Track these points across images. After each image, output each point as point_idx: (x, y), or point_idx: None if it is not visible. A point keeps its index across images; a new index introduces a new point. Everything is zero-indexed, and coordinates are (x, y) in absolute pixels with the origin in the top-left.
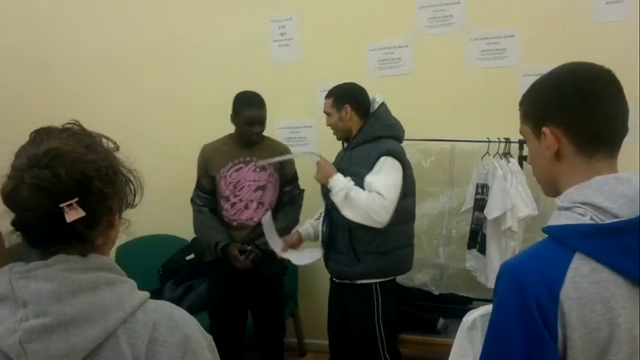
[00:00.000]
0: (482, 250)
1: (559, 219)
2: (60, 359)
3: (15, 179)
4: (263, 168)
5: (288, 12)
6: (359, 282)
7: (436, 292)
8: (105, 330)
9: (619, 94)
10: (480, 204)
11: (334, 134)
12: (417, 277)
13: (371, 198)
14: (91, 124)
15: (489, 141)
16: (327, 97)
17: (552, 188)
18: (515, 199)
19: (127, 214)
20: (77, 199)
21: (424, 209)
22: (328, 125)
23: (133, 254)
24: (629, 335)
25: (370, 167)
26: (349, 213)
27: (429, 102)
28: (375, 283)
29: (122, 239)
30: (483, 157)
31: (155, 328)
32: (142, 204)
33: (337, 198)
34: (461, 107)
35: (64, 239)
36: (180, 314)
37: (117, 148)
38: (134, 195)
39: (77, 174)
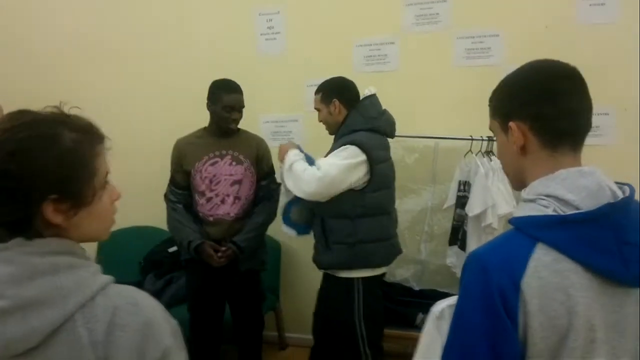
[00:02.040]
0: (463, 246)
1: (523, 210)
2: (18, 342)
3: None
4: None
5: (276, 6)
6: (341, 275)
7: (417, 288)
8: (63, 314)
9: (583, 90)
10: (462, 201)
11: (326, 129)
12: (399, 273)
13: (309, 170)
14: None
15: (472, 139)
16: (316, 93)
17: (519, 181)
18: (496, 197)
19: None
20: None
21: (407, 206)
22: (320, 121)
23: (115, 245)
24: (587, 323)
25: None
26: (289, 183)
27: (414, 99)
28: (357, 278)
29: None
30: (466, 154)
31: (115, 313)
32: (125, 195)
33: (284, 170)
34: (446, 105)
35: (19, 231)
36: (143, 298)
37: (102, 138)
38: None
39: (38, 172)
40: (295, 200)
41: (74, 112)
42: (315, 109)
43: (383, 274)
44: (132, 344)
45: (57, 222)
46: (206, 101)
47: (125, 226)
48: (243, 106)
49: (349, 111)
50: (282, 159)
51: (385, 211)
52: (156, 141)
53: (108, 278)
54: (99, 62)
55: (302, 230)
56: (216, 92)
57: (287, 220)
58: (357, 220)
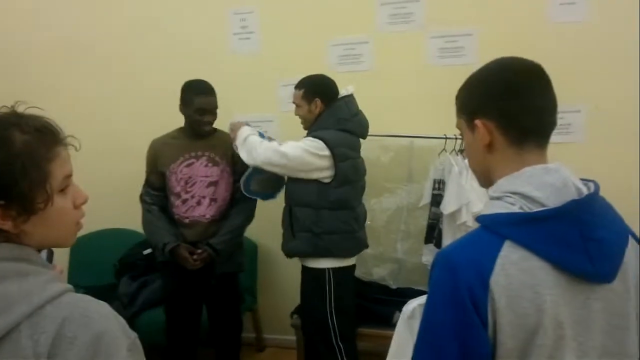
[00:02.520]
0: (439, 244)
1: (490, 208)
2: None
3: None
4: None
5: (249, 5)
6: (310, 265)
7: (394, 287)
8: (5, 323)
9: (548, 87)
10: (437, 200)
11: (302, 123)
12: (376, 272)
13: (266, 143)
14: (40, 113)
15: (446, 138)
16: (297, 88)
17: (486, 179)
18: (470, 195)
19: (87, 207)
20: None
21: (383, 204)
22: (297, 115)
23: (89, 248)
24: (555, 320)
25: None
26: (243, 154)
27: (389, 99)
28: (328, 269)
29: (79, 232)
30: (440, 153)
31: (63, 324)
32: (99, 196)
33: (238, 142)
34: (420, 104)
35: None
36: (98, 309)
37: (59, 139)
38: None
39: None
40: (253, 172)
41: (33, 112)
42: (294, 103)
43: (352, 267)
44: (80, 357)
45: (6, 228)
46: (179, 103)
47: (100, 228)
48: (216, 107)
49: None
50: (234, 136)
51: (349, 206)
52: (130, 141)
53: (63, 287)
54: (72, 62)
55: (265, 197)
56: (188, 95)
57: (249, 192)
58: (320, 211)
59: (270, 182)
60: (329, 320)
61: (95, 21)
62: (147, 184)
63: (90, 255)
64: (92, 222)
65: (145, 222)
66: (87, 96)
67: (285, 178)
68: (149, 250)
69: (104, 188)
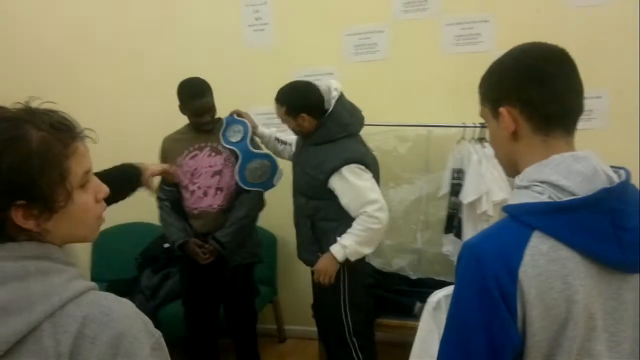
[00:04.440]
0: (459, 234)
1: (518, 197)
2: None
3: None
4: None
5: None
6: None
7: (414, 277)
8: (28, 322)
9: (573, 72)
10: (456, 189)
11: (294, 132)
12: (395, 262)
13: (365, 222)
14: (54, 107)
15: (465, 126)
16: (278, 102)
17: (512, 168)
18: (490, 184)
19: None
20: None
21: (401, 195)
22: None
23: (111, 242)
24: (586, 312)
25: (328, 175)
26: (367, 249)
27: (405, 88)
28: (342, 265)
29: (100, 226)
30: (459, 142)
31: (84, 323)
32: None
33: (349, 257)
34: (437, 92)
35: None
36: (120, 308)
37: (76, 135)
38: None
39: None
40: (241, 163)
41: (47, 107)
42: (279, 117)
43: (366, 263)
44: (101, 358)
45: (29, 227)
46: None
47: (121, 222)
48: (212, 106)
49: (319, 120)
50: (332, 270)
51: None
52: (149, 136)
53: (85, 285)
54: (87, 58)
55: (264, 186)
56: (183, 97)
57: (246, 184)
58: (342, 220)
59: (260, 169)
60: (343, 316)
61: (110, 17)
62: (162, 180)
63: (112, 249)
64: (114, 216)
65: (160, 219)
66: (102, 91)
67: (277, 165)
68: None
69: None
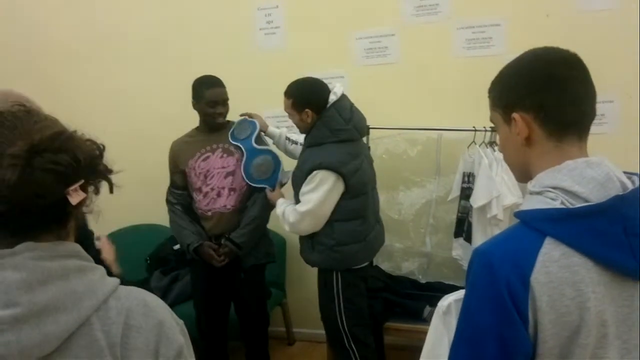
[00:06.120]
0: (469, 238)
1: (530, 203)
2: (33, 348)
3: (17, 166)
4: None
5: (274, 0)
6: (322, 267)
7: (423, 281)
8: (78, 318)
9: (586, 77)
10: (466, 193)
11: (298, 128)
12: (404, 266)
13: (295, 213)
14: (74, 112)
15: (475, 130)
16: (287, 96)
17: (524, 174)
18: (500, 188)
19: (118, 203)
20: (82, 181)
21: (411, 198)
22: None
23: (120, 243)
24: (598, 319)
25: (304, 177)
26: (287, 227)
27: (416, 91)
28: (335, 271)
29: (110, 228)
30: (469, 146)
31: (129, 314)
32: (130, 193)
33: (279, 216)
34: (448, 96)
35: (46, 225)
36: (152, 299)
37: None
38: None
39: (88, 155)
40: (246, 161)
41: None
42: (285, 111)
43: (363, 269)
44: (147, 344)
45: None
46: (192, 100)
47: (130, 224)
48: (227, 99)
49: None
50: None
51: (360, 215)
52: (161, 139)
53: (116, 280)
54: (102, 59)
55: (271, 183)
56: (198, 89)
57: (252, 181)
58: (334, 223)
59: (264, 165)
60: (339, 324)
61: (124, 19)
62: (171, 184)
63: (122, 250)
64: (124, 218)
65: (171, 222)
66: (118, 92)
67: (280, 160)
68: (179, 246)
69: (136, 185)
